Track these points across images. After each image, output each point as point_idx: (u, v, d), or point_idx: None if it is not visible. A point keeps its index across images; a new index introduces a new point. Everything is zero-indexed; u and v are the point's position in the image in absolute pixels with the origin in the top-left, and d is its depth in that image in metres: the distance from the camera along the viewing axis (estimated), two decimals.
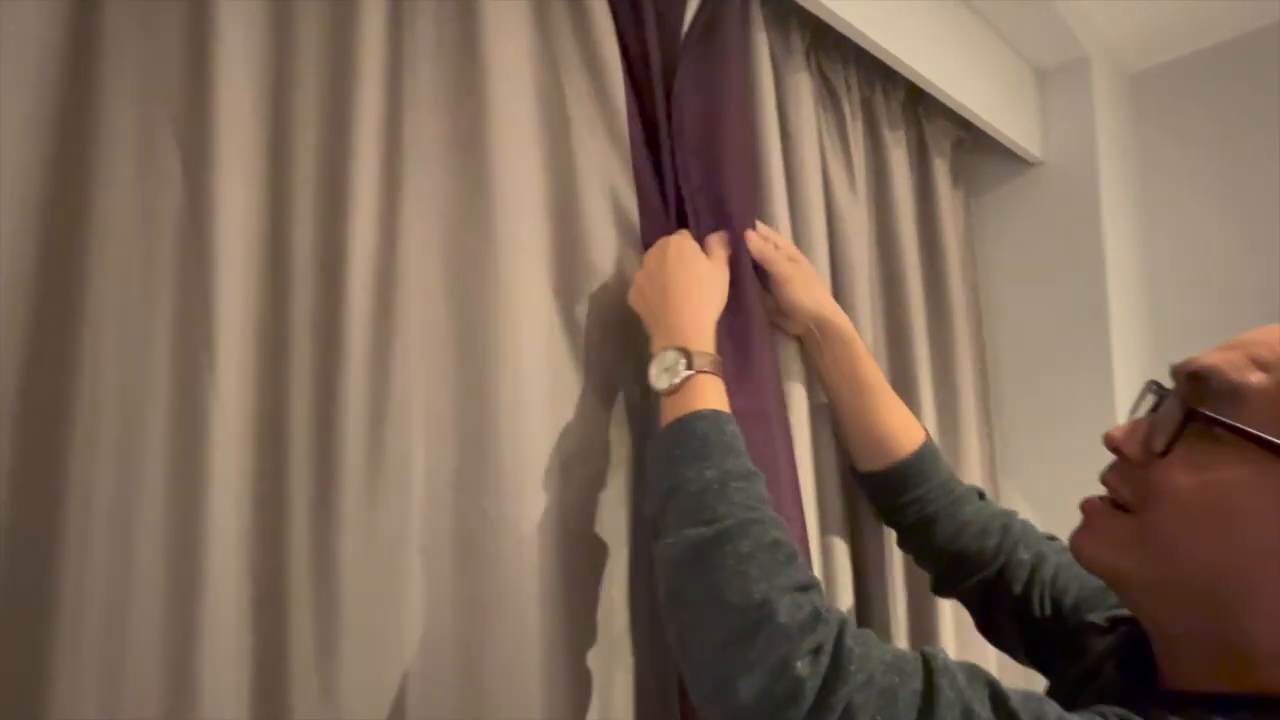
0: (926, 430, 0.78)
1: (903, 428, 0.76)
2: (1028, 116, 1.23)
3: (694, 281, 0.64)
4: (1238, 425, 0.42)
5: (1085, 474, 1.16)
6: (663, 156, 0.71)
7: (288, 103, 0.53)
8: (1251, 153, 1.26)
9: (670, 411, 0.58)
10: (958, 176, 1.23)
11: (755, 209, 0.76)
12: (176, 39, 0.47)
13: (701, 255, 0.67)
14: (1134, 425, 0.49)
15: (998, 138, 1.17)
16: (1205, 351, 0.48)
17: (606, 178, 0.69)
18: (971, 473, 1.10)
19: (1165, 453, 0.44)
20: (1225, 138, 1.30)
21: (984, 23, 1.15)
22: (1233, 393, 0.43)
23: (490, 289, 0.60)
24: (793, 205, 0.84)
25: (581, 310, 0.67)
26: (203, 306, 0.46)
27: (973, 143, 1.27)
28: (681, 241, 0.67)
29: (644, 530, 0.66)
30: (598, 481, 0.66)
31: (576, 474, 0.63)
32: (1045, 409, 1.21)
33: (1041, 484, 1.21)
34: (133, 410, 0.44)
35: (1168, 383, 0.50)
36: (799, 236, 0.85)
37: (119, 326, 0.45)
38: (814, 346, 0.77)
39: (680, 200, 0.72)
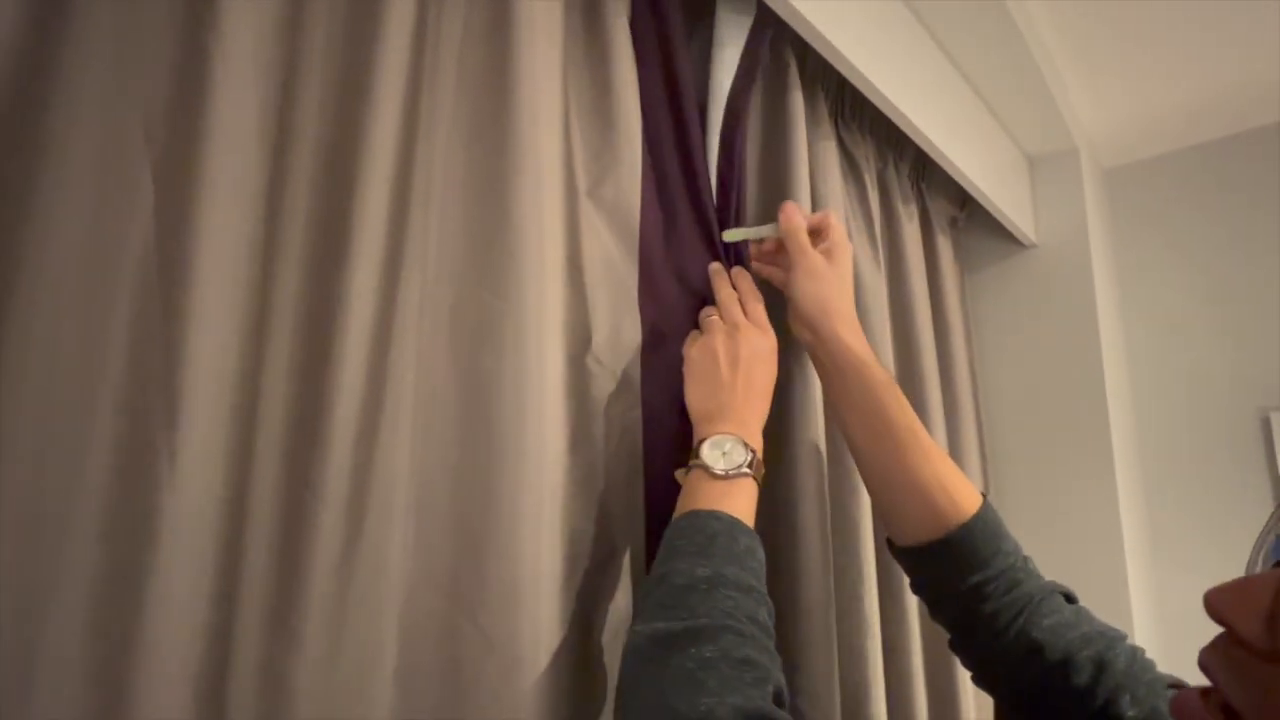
0: (985, 495, 0.59)
1: (939, 485, 0.56)
2: (1021, 200, 1.25)
3: (770, 380, 0.60)
4: None
5: (1087, 565, 1.14)
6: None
7: (290, 121, 0.43)
8: (1222, 252, 1.32)
9: (695, 498, 0.52)
10: (956, 255, 1.23)
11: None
12: (166, 26, 0.37)
13: (770, 343, 0.62)
14: (1251, 588, 0.33)
15: (998, 217, 1.17)
16: None
17: (604, 247, 0.61)
18: None
19: None
20: (1194, 235, 1.35)
21: (983, 104, 1.17)
22: None
23: (509, 358, 0.50)
24: None
25: (595, 387, 0.58)
26: (166, 372, 0.34)
27: (964, 223, 1.28)
28: (755, 326, 0.61)
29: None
30: (605, 594, 0.55)
31: (582, 583, 0.53)
32: (1045, 496, 1.17)
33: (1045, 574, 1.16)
34: (52, 508, 0.32)
35: None
36: None
37: (44, 392, 0.33)
38: (816, 367, 0.64)
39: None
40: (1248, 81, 1.20)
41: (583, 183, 0.60)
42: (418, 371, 0.47)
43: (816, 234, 0.66)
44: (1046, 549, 1.19)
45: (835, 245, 0.65)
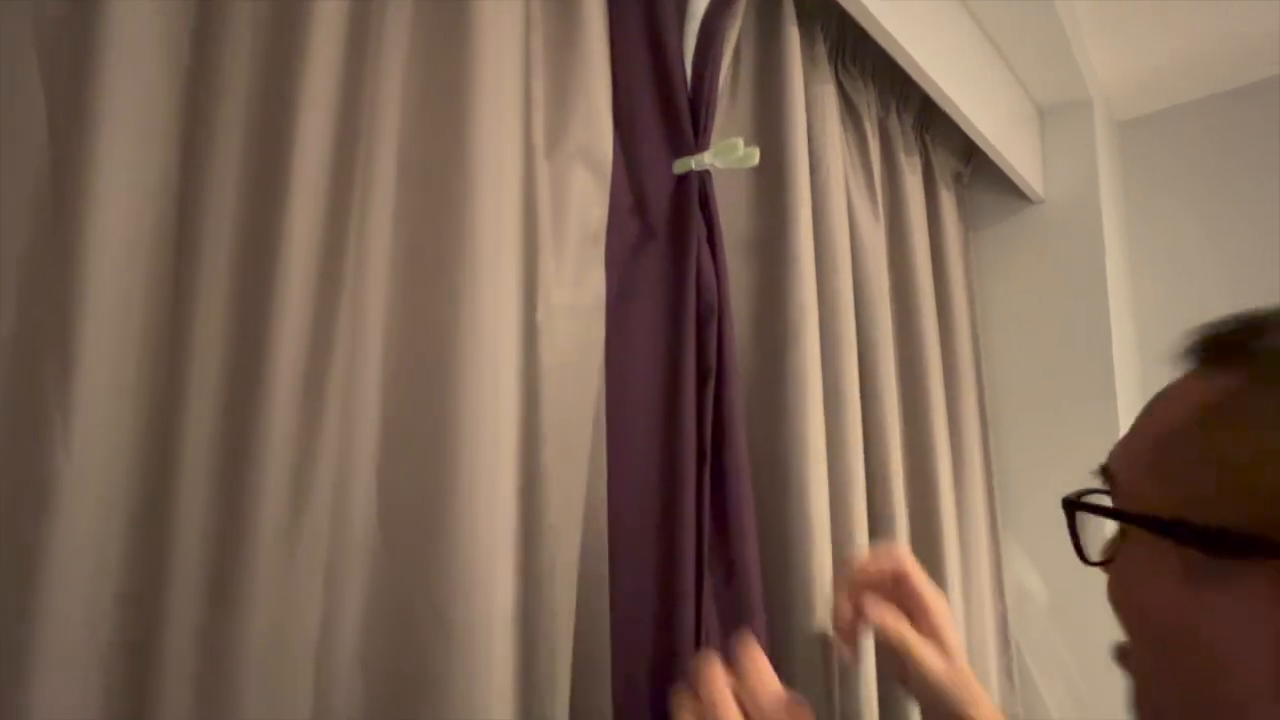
0: None
1: None
2: (1030, 152, 1.19)
3: None
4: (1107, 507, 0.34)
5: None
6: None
7: (215, 52, 0.38)
8: (1236, 207, 1.26)
9: None
10: (960, 212, 1.17)
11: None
12: None
13: None
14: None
15: (1005, 169, 1.12)
16: None
17: (584, 203, 0.55)
18: (977, 528, 1.02)
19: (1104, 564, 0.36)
20: (1209, 190, 1.30)
21: (993, 49, 1.10)
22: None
23: (465, 308, 0.46)
24: (817, 227, 0.75)
25: (550, 346, 0.52)
26: (59, 323, 0.31)
27: (969, 179, 1.23)
28: None
29: (591, 635, 0.51)
30: (554, 568, 0.50)
31: (541, 560, 0.49)
32: (1046, 460, 1.14)
33: (1043, 538, 1.14)
34: None
35: None
36: (822, 262, 0.75)
37: None
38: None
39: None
40: (1272, 27, 1.14)
41: (547, 121, 0.55)
42: (369, 323, 0.44)
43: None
44: (1048, 518, 1.17)
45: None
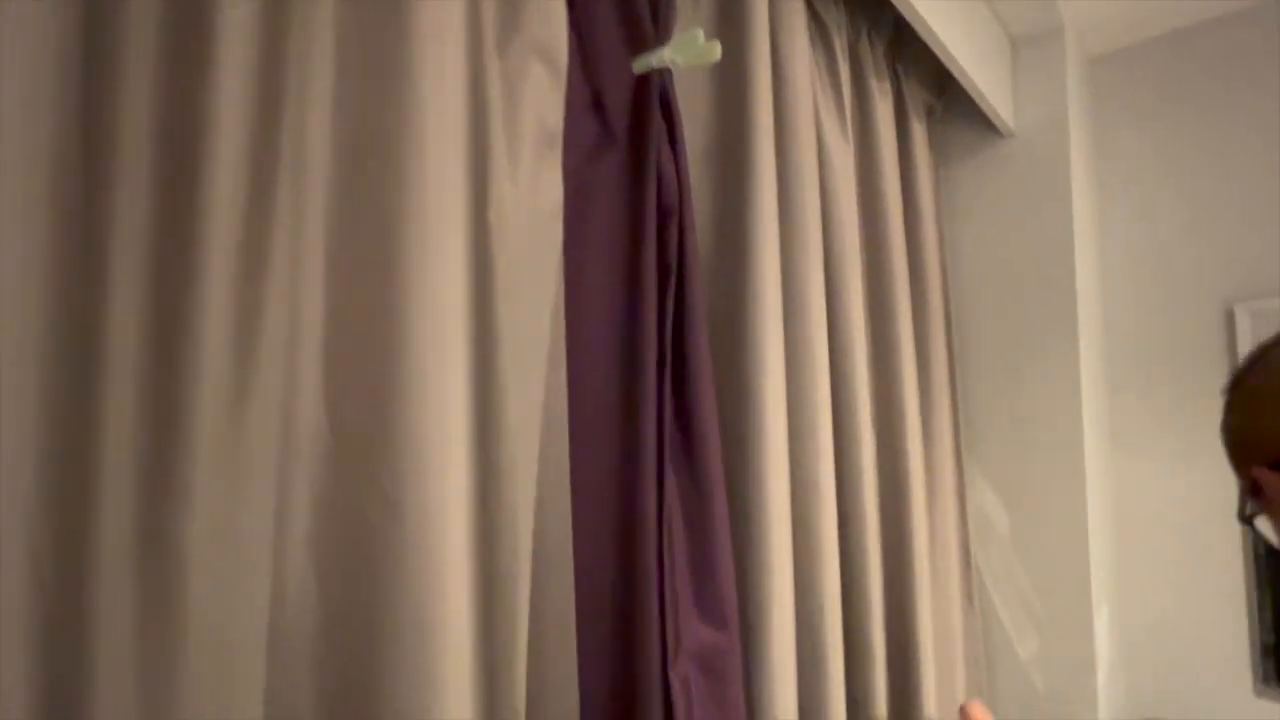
0: None
1: None
2: (1001, 84, 1.19)
3: None
4: None
5: (1047, 455, 1.15)
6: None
7: None
8: (1202, 141, 1.27)
9: None
10: (931, 143, 1.17)
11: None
12: None
13: None
14: None
15: (976, 99, 1.11)
16: None
17: (539, 101, 0.53)
18: (942, 455, 1.04)
19: None
20: (1174, 125, 1.30)
21: None
22: None
23: (410, 200, 0.44)
24: (780, 142, 0.73)
25: (503, 253, 0.51)
26: None
27: (941, 113, 1.22)
28: None
29: (552, 531, 0.52)
30: (514, 465, 0.50)
31: (500, 457, 0.49)
32: (1009, 389, 1.17)
33: (1005, 464, 1.17)
34: None
35: None
36: (786, 174, 0.74)
37: None
38: None
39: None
40: None
41: (498, 14, 0.53)
42: (309, 203, 0.42)
43: None
44: (1008, 439, 1.20)
45: None
